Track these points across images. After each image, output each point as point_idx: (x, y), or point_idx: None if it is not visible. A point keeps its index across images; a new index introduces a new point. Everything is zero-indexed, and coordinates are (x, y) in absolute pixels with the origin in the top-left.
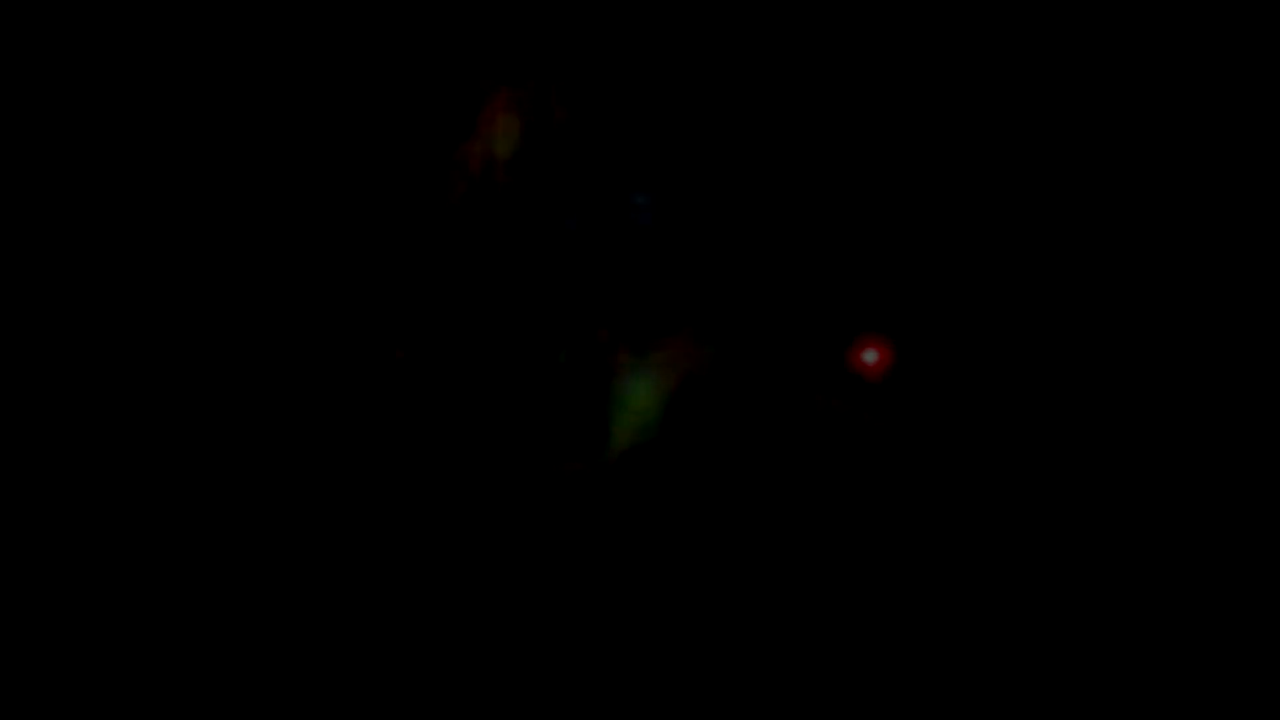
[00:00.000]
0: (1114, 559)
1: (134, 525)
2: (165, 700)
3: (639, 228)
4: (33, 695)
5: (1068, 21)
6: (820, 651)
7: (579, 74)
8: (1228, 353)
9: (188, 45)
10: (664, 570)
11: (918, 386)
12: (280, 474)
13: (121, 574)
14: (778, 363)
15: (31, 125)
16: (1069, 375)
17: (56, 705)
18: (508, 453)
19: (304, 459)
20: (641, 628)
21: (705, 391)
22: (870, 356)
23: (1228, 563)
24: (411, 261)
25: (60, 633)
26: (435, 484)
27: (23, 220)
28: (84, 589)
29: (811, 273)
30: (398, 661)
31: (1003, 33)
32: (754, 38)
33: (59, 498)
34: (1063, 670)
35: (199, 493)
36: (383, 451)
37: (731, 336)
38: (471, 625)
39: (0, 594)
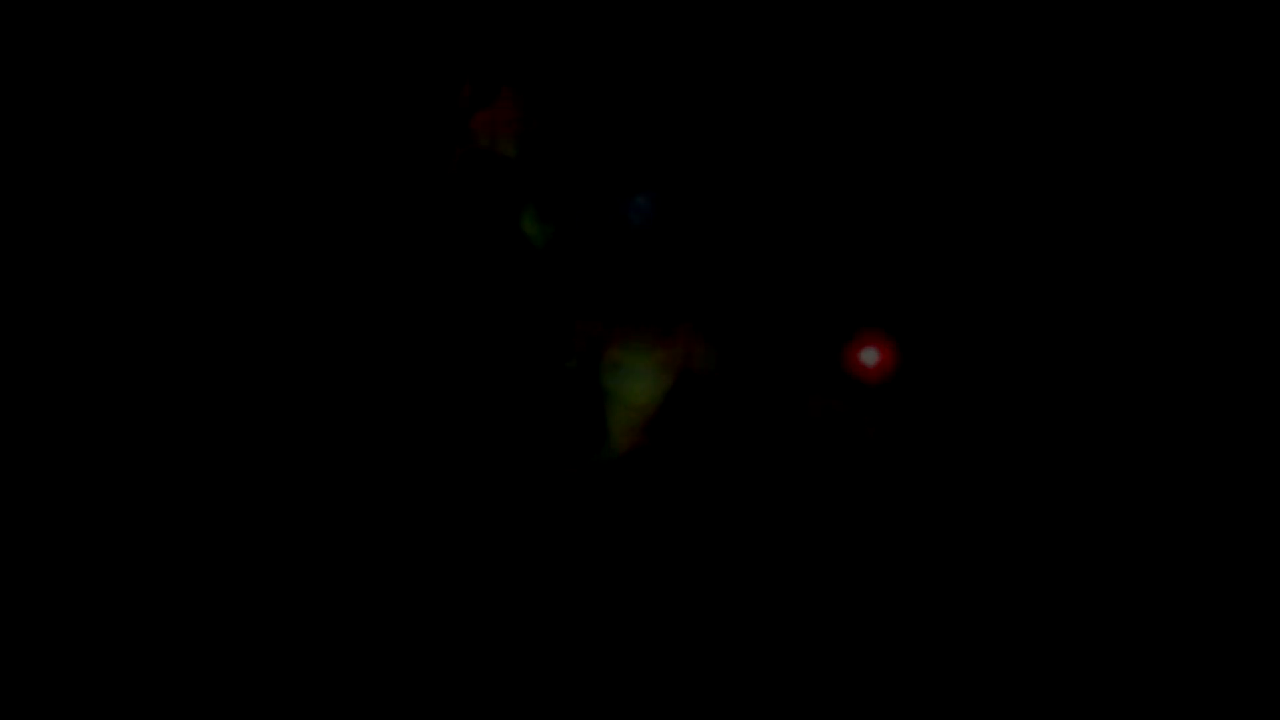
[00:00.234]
0: (1126, 572)
1: (134, 525)
2: (165, 700)
3: (638, 228)
4: (33, 695)
5: (1068, 21)
6: (820, 652)
7: (578, 74)
8: (1245, 357)
9: (201, 46)
10: (663, 570)
11: (918, 388)
12: (279, 471)
13: (121, 574)
14: (777, 363)
15: (31, 125)
16: (1083, 379)
17: (57, 705)
18: (507, 452)
19: (303, 457)
20: (641, 627)
21: (705, 391)
22: (870, 357)
23: (1240, 570)
24: (409, 259)
25: (60, 633)
26: (435, 483)
27: (22, 220)
28: (84, 589)
29: (812, 273)
30: (397, 661)
31: (1003, 32)
32: (754, 37)
33: (59, 498)
34: (1064, 676)
35: (198, 492)
36: (382, 451)
37: (731, 335)
38: (471, 625)
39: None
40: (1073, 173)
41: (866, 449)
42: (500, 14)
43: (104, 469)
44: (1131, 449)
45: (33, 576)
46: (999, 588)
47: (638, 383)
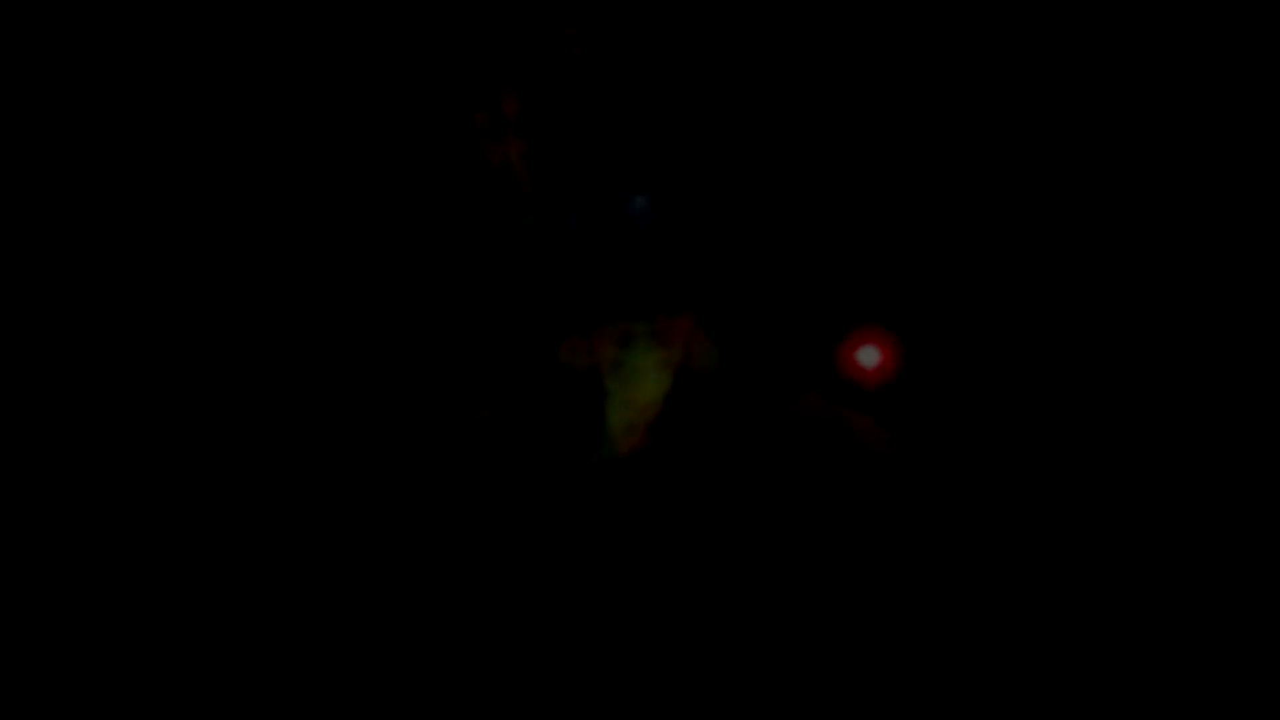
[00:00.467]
0: (1128, 576)
1: (134, 525)
2: (165, 700)
3: (638, 227)
4: (33, 695)
5: (1068, 21)
6: (820, 653)
7: (578, 74)
8: (1248, 358)
9: (217, 46)
10: (661, 570)
11: (919, 390)
12: (279, 471)
13: (121, 574)
14: (777, 362)
15: (31, 125)
16: (1085, 381)
17: (56, 705)
18: (506, 451)
19: (303, 456)
20: (639, 627)
21: (704, 390)
22: (869, 358)
23: (1242, 571)
24: (414, 260)
25: (60, 633)
26: (433, 483)
27: (22, 220)
28: (84, 589)
29: (812, 273)
30: (397, 661)
31: (1002, 31)
32: (753, 37)
33: (59, 498)
34: (1064, 679)
35: (197, 492)
36: (381, 450)
37: (731, 335)
38: (470, 625)
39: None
40: (1073, 173)
41: (869, 450)
42: (500, 13)
43: (104, 468)
44: (1132, 449)
45: (33, 575)
46: (999, 588)
47: (638, 383)
